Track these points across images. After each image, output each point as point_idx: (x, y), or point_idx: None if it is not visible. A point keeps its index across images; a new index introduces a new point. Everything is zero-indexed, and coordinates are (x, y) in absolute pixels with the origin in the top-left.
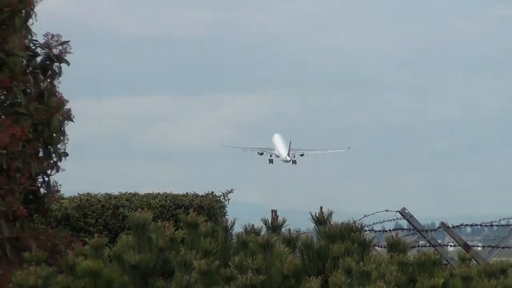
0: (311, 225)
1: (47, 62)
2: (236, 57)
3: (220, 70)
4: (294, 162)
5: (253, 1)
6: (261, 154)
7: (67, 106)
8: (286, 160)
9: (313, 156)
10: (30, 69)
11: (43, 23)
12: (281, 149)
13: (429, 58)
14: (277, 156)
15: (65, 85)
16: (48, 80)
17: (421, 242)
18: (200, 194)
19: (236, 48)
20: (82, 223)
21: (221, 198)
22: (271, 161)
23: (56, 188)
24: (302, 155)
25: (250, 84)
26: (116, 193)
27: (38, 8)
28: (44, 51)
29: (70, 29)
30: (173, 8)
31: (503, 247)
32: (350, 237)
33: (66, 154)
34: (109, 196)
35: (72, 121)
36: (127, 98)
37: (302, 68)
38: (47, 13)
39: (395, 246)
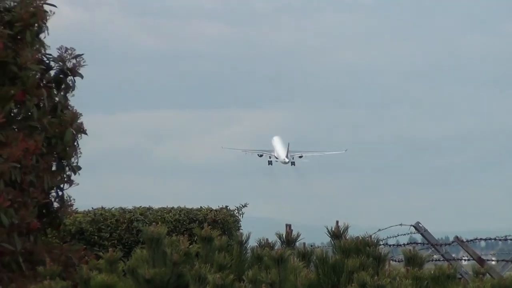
0: (326, 239)
1: (61, 76)
2: (251, 72)
3: (235, 85)
4: (293, 163)
5: (268, 16)
6: (261, 156)
7: (80, 120)
8: (284, 161)
9: (324, 167)
10: (43, 82)
11: (57, 36)
12: (280, 151)
13: (443, 73)
14: (276, 158)
15: (79, 99)
16: (62, 93)
17: (435, 256)
18: (214, 208)
19: (250, 63)
20: (96, 237)
21: (235, 212)
22: (270, 162)
23: (69, 202)
24: (300, 156)
25: (265, 99)
26: (130, 207)
27: (52, 22)
28: (58, 64)
29: (85, 43)
30: (186, 23)
31: None
32: (365, 251)
33: (79, 168)
34: (123, 210)
35: (86, 134)
36: (141, 113)
37: (316, 83)
38: (61, 26)
39: (412, 260)
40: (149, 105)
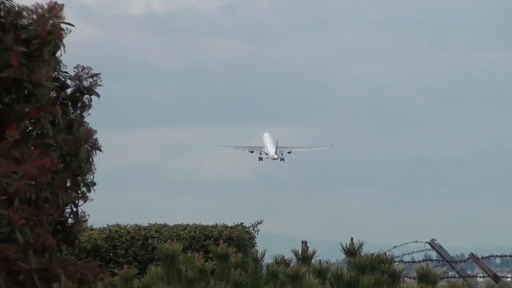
0: (341, 256)
1: (77, 94)
2: (268, 88)
3: (252, 101)
4: (282, 159)
5: (282, 32)
6: (252, 152)
7: (94, 136)
8: (274, 158)
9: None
10: (59, 100)
11: (73, 54)
12: (270, 148)
13: (458, 89)
14: (266, 154)
15: (95, 116)
16: (78, 111)
17: (450, 273)
18: (230, 225)
19: (268, 79)
20: (111, 254)
21: (250, 229)
22: (260, 159)
23: (84, 219)
24: (289, 152)
25: (282, 115)
26: (145, 224)
27: (69, 39)
28: (74, 83)
29: (100, 60)
30: (202, 40)
31: None
32: (380, 268)
33: (93, 184)
34: (138, 227)
35: (101, 150)
36: (157, 130)
37: (331, 99)
38: (78, 44)
39: (425, 277)
40: (165, 122)
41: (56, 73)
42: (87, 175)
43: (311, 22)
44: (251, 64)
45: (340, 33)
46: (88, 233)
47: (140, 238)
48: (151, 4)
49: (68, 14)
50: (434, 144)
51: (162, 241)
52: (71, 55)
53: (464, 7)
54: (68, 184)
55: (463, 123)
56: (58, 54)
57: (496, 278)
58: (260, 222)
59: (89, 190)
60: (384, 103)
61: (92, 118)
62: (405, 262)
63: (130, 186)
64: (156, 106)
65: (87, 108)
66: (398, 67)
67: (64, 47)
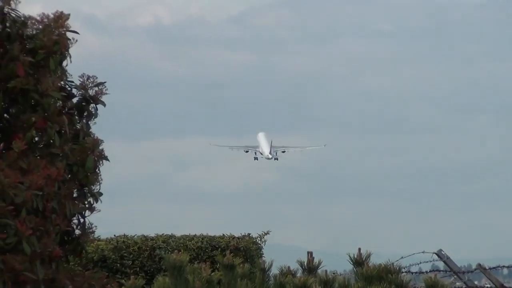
0: (348, 267)
1: (83, 103)
2: (276, 99)
3: (259, 112)
4: (276, 159)
5: (290, 43)
6: (247, 151)
7: (101, 146)
8: (268, 157)
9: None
10: (65, 109)
11: (81, 64)
12: (264, 147)
13: (469, 100)
14: (261, 154)
15: (102, 126)
16: (84, 121)
17: (458, 283)
18: (237, 236)
19: (275, 90)
20: (118, 264)
21: (257, 240)
22: (256, 158)
23: (91, 230)
24: (283, 151)
25: (290, 126)
26: (152, 234)
27: (76, 50)
28: (80, 92)
29: (108, 70)
30: (212, 51)
31: None
32: (388, 278)
33: (100, 194)
34: (145, 238)
35: (108, 160)
36: (165, 140)
37: (344, 110)
38: (85, 54)
39: None
40: (173, 133)
41: (62, 82)
42: (94, 185)
43: (319, 33)
44: (258, 75)
45: (348, 44)
46: (95, 243)
47: (147, 248)
48: (159, 15)
49: (76, 25)
50: (442, 155)
51: (169, 252)
52: (78, 66)
53: (472, 18)
54: (74, 195)
55: (471, 134)
56: (64, 63)
57: None
58: (267, 233)
59: (96, 201)
60: (392, 114)
61: (99, 128)
62: (412, 273)
63: (137, 197)
64: (164, 116)
65: (93, 117)
66: (406, 78)
67: (70, 57)
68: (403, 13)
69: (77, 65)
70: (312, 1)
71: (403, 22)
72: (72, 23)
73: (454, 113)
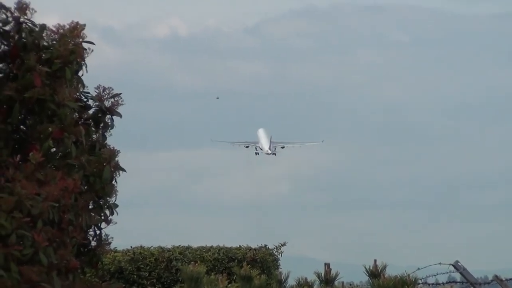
0: (364, 278)
1: (99, 115)
2: (289, 110)
3: (275, 122)
4: (274, 154)
5: (306, 54)
6: (247, 147)
7: (117, 157)
8: (267, 152)
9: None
10: (81, 120)
11: (98, 75)
12: (264, 143)
13: (482, 110)
14: (261, 149)
15: (118, 137)
16: (100, 132)
17: None
18: (254, 247)
19: (289, 100)
20: (135, 276)
21: (274, 251)
22: (257, 153)
23: (107, 241)
24: (283, 147)
25: (305, 136)
26: (169, 246)
27: (92, 60)
28: (96, 103)
29: (124, 81)
30: (228, 61)
31: None
32: None
33: (116, 206)
34: (162, 249)
35: (124, 170)
36: (181, 151)
37: (356, 120)
38: (101, 65)
39: None
40: (189, 143)
41: (78, 93)
42: (110, 197)
43: (336, 43)
44: (275, 86)
45: (363, 54)
46: (111, 255)
47: (164, 260)
48: (176, 26)
49: (92, 37)
50: (458, 165)
51: (186, 263)
52: (95, 77)
53: (486, 28)
54: (91, 206)
55: (486, 144)
56: (80, 73)
57: None
58: (284, 244)
59: (112, 213)
60: (407, 124)
61: (115, 139)
62: (429, 284)
63: (153, 208)
64: (180, 127)
65: (109, 128)
66: (420, 88)
67: (86, 66)
68: (420, 23)
69: (94, 76)
70: (327, 11)
71: (419, 32)
72: (88, 34)
73: (470, 122)
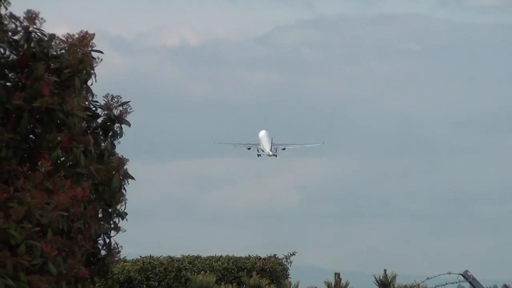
0: None
1: (108, 123)
2: (299, 120)
3: (284, 132)
4: (275, 155)
5: (316, 64)
6: (249, 148)
7: (126, 166)
8: (269, 154)
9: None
10: (90, 129)
11: (108, 84)
12: (265, 144)
13: (496, 122)
14: (262, 151)
15: (127, 147)
16: (109, 140)
17: None
18: (263, 257)
19: (298, 110)
20: (144, 285)
21: (283, 261)
22: (259, 155)
23: (117, 250)
24: (284, 149)
25: (316, 148)
26: (178, 255)
27: (103, 70)
28: (105, 112)
29: (133, 90)
30: (237, 71)
31: None
32: None
33: (125, 214)
34: (171, 259)
35: (133, 178)
36: (190, 161)
37: (367, 131)
38: (111, 74)
39: None
40: (199, 152)
41: (87, 102)
42: (119, 205)
43: (345, 53)
44: (284, 95)
45: (375, 64)
46: (121, 264)
47: (174, 269)
48: (185, 35)
49: (102, 46)
50: (469, 176)
51: (195, 273)
52: (105, 86)
53: (499, 38)
54: (100, 215)
55: (498, 156)
56: (89, 82)
57: None
58: (293, 254)
59: (122, 218)
60: (418, 135)
61: (124, 148)
62: None
63: (163, 217)
64: (189, 136)
65: (117, 136)
66: (430, 98)
67: (95, 76)
68: (430, 33)
69: (103, 85)
70: (337, 21)
71: (430, 42)
72: (98, 43)
73: (480, 134)
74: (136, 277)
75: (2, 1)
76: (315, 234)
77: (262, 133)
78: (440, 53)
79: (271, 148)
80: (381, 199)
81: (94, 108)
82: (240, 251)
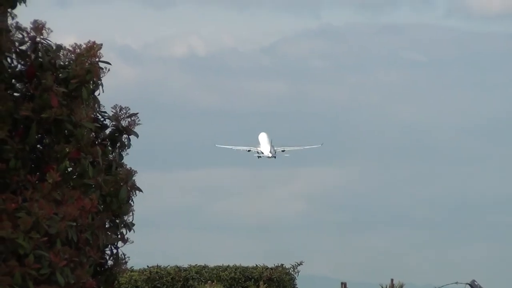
0: None
1: (116, 134)
2: (307, 129)
3: (291, 142)
4: (274, 157)
5: (325, 73)
6: (249, 151)
7: (134, 177)
8: (268, 156)
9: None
10: (98, 140)
11: (116, 94)
12: (265, 146)
13: (504, 130)
14: (262, 153)
15: (135, 158)
16: (117, 151)
17: None
18: (270, 267)
19: (305, 120)
20: None
21: (290, 271)
22: (259, 157)
23: (124, 260)
24: (283, 151)
25: (322, 156)
26: (185, 265)
27: (110, 80)
28: (113, 123)
29: (145, 101)
30: (244, 81)
31: None
32: None
33: (132, 225)
34: (178, 269)
35: (141, 191)
36: (198, 170)
37: (373, 140)
38: (119, 84)
39: None
40: (206, 162)
41: (95, 113)
42: (127, 216)
43: (352, 63)
44: (291, 105)
45: (381, 74)
46: (128, 274)
47: (181, 279)
48: (193, 45)
49: (110, 56)
50: (476, 184)
51: (202, 283)
52: (113, 96)
53: (506, 47)
54: (107, 225)
55: (507, 164)
56: (96, 93)
57: None
58: (301, 263)
59: (129, 229)
60: (424, 144)
61: (132, 159)
62: None
63: (170, 227)
64: (197, 146)
65: (126, 148)
66: (439, 109)
67: (102, 86)
68: (437, 43)
69: (111, 95)
70: (344, 31)
71: (436, 52)
72: (106, 53)
73: (486, 143)
74: (143, 287)
75: (9, 11)
76: (322, 243)
77: (262, 135)
78: (446, 63)
79: (270, 150)
80: (388, 208)
81: (102, 119)
82: (247, 260)
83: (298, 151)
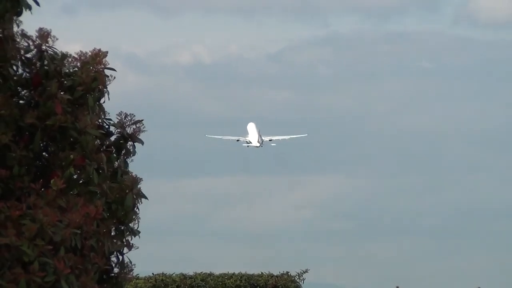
0: None
1: (121, 141)
2: (314, 138)
3: (298, 151)
4: (262, 146)
5: (331, 81)
6: (238, 140)
7: (140, 185)
8: (256, 145)
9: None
10: (103, 147)
11: (121, 102)
12: (253, 136)
13: (510, 138)
14: (251, 142)
15: (141, 165)
16: (122, 158)
17: None
18: (275, 274)
19: (314, 128)
20: None
21: (296, 278)
22: (248, 146)
23: (129, 268)
24: (270, 140)
25: (328, 165)
26: (191, 273)
27: (117, 88)
28: (118, 130)
29: (151, 109)
30: (250, 89)
31: None
32: None
33: (138, 232)
34: (184, 276)
35: (146, 198)
36: (203, 179)
37: (382, 148)
38: (126, 92)
39: None
40: (212, 171)
41: (100, 120)
42: (132, 223)
43: (359, 71)
44: (299, 113)
45: (389, 82)
46: (133, 282)
47: (186, 287)
48: (198, 53)
49: (116, 64)
50: (483, 194)
51: None
52: (118, 104)
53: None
54: (113, 233)
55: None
56: (101, 100)
57: None
58: (306, 271)
59: (135, 236)
60: (433, 152)
61: (138, 166)
62: None
63: (175, 235)
64: (203, 155)
65: (131, 155)
66: (447, 117)
67: (108, 94)
68: (445, 50)
69: (117, 103)
70: (351, 38)
71: (444, 60)
72: (112, 61)
73: (496, 152)
74: None
75: (15, 19)
76: (328, 251)
77: (250, 125)
78: (454, 71)
79: (258, 139)
80: (394, 216)
81: (107, 126)
82: (252, 268)
83: (284, 140)
